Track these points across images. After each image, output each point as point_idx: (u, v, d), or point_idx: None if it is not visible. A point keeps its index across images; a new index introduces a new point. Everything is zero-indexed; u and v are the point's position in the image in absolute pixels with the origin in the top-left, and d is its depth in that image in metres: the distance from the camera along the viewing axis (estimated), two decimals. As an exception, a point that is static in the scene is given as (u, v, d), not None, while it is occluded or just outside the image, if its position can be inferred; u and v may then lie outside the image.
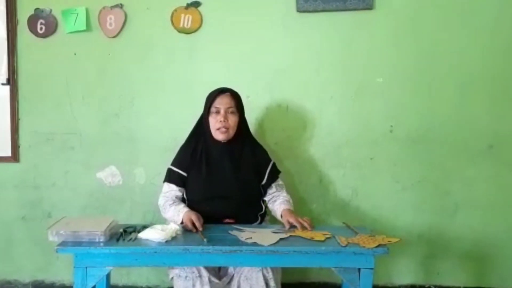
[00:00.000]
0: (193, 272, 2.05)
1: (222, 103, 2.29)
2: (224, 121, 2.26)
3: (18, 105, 2.83)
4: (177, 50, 2.76)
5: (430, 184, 2.76)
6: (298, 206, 2.75)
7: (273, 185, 2.40)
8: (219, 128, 2.27)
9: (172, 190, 2.35)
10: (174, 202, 2.30)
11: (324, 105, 2.75)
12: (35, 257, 2.90)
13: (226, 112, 2.28)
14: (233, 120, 2.29)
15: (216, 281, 2.08)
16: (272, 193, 2.40)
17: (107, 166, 2.84)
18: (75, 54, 2.79)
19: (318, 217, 2.79)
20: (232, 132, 2.30)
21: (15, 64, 2.80)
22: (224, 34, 2.74)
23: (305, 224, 2.14)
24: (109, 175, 2.85)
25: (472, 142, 2.72)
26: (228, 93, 2.31)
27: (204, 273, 2.05)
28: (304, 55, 2.73)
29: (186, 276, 2.06)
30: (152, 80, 2.79)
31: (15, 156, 2.86)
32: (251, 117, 2.63)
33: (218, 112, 2.29)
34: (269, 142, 2.74)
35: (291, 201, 2.37)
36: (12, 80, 2.81)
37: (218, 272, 2.16)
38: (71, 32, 2.76)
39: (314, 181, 2.80)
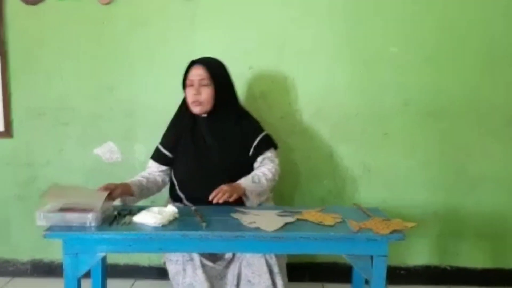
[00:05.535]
0: (184, 256, 1.97)
1: (194, 75, 2.19)
2: (196, 94, 2.17)
3: (9, 78, 2.71)
4: (177, 17, 2.64)
5: (446, 160, 2.67)
6: (308, 182, 2.73)
7: (258, 158, 2.25)
8: (193, 102, 2.19)
9: (150, 167, 2.33)
10: (138, 176, 2.28)
11: (333, 76, 2.63)
12: (33, 236, 2.81)
13: (199, 85, 2.17)
14: (206, 92, 2.18)
15: (210, 264, 1.98)
16: (256, 167, 2.25)
17: (104, 143, 2.75)
18: (66, 22, 2.66)
19: (328, 193, 2.71)
20: (207, 105, 2.19)
21: (4, 34, 2.66)
22: (227, 0, 2.61)
23: (217, 192, 1.96)
24: (107, 151, 2.76)
25: (491, 117, 2.62)
26: (199, 65, 2.19)
27: (195, 256, 1.96)
28: (311, 23, 2.61)
29: (176, 260, 1.99)
30: (150, 50, 2.67)
31: (8, 131, 2.75)
32: (255, 90, 2.55)
33: (192, 85, 2.19)
34: (275, 116, 2.65)
35: (262, 178, 2.13)
36: (2, 51, 2.67)
37: (214, 254, 2.04)
38: (62, -2, 2.64)
39: (324, 156, 2.70)
